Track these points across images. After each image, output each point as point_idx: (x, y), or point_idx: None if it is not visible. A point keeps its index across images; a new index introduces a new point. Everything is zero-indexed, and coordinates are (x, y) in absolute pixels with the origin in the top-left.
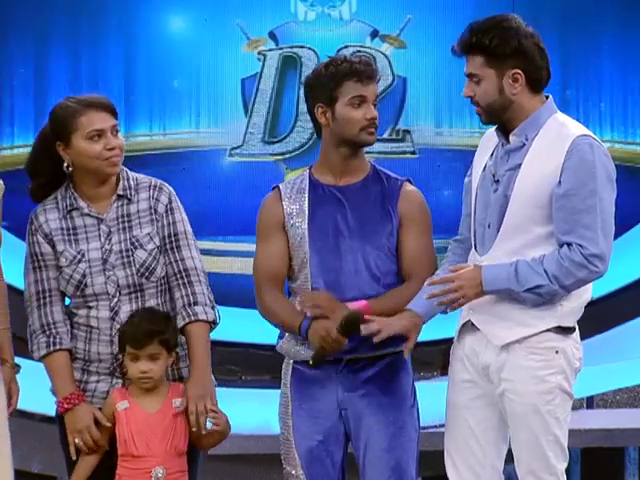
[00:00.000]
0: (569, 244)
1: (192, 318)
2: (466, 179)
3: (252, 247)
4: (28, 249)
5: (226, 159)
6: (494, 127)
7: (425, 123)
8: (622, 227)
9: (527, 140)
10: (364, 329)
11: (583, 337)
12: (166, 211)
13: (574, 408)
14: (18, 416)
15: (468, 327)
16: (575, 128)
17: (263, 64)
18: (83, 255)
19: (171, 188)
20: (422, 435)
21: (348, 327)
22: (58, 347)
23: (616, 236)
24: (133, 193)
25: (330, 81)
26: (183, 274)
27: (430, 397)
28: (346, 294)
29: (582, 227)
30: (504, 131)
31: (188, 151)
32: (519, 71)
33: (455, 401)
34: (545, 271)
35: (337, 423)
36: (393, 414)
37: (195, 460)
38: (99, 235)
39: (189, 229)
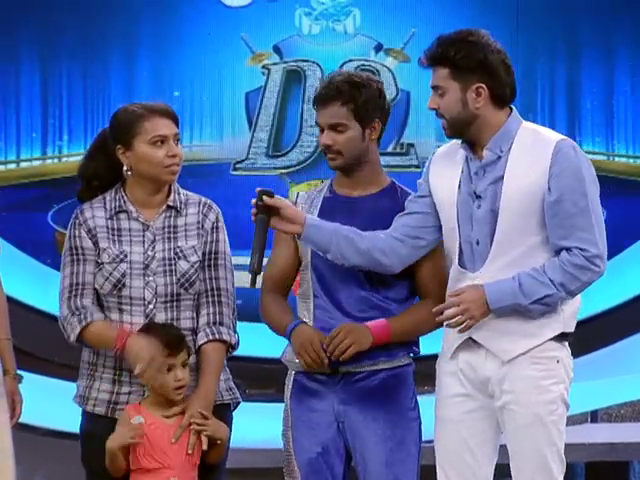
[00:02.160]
0: (568, 249)
1: (216, 336)
2: (420, 196)
3: None
4: (68, 242)
5: (230, 173)
6: (447, 145)
7: (429, 137)
8: (630, 239)
9: (502, 152)
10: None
11: (588, 351)
12: (212, 228)
13: (579, 422)
14: (20, 430)
15: (464, 344)
16: (551, 133)
17: (267, 78)
18: (125, 256)
19: (219, 209)
20: (424, 449)
21: (264, 195)
22: (90, 319)
23: (623, 248)
24: (182, 207)
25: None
26: (215, 292)
27: (433, 411)
28: (346, 303)
29: (579, 230)
30: (470, 145)
31: (192, 165)
32: (482, 85)
33: (447, 415)
34: (551, 280)
35: (336, 435)
36: (390, 429)
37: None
38: (143, 241)
39: (228, 251)
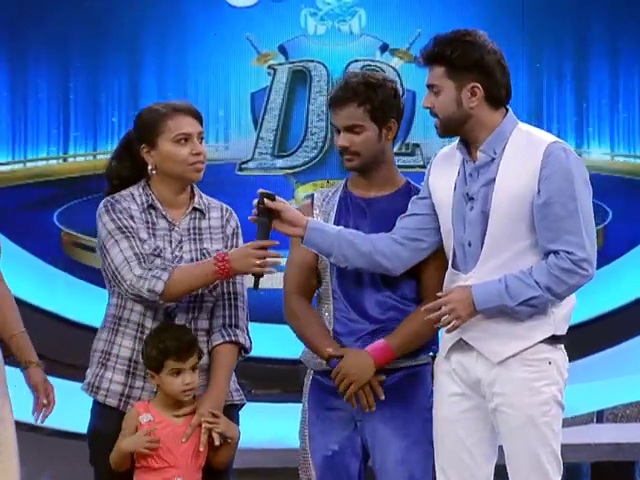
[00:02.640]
0: (556, 252)
1: (232, 338)
2: (421, 197)
3: None
4: (113, 224)
5: (236, 173)
6: (448, 146)
7: (434, 137)
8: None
9: (495, 154)
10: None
11: (593, 351)
12: (232, 234)
13: (585, 422)
14: (26, 430)
15: (456, 344)
16: (544, 135)
17: (273, 78)
18: (161, 251)
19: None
20: None
21: (265, 197)
22: (172, 267)
23: (629, 248)
24: (206, 210)
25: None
26: (232, 296)
27: None
28: (366, 305)
29: (567, 233)
30: (466, 146)
31: None
32: (477, 85)
33: (444, 415)
34: (536, 282)
35: (353, 434)
36: (407, 427)
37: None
38: (170, 241)
39: None
